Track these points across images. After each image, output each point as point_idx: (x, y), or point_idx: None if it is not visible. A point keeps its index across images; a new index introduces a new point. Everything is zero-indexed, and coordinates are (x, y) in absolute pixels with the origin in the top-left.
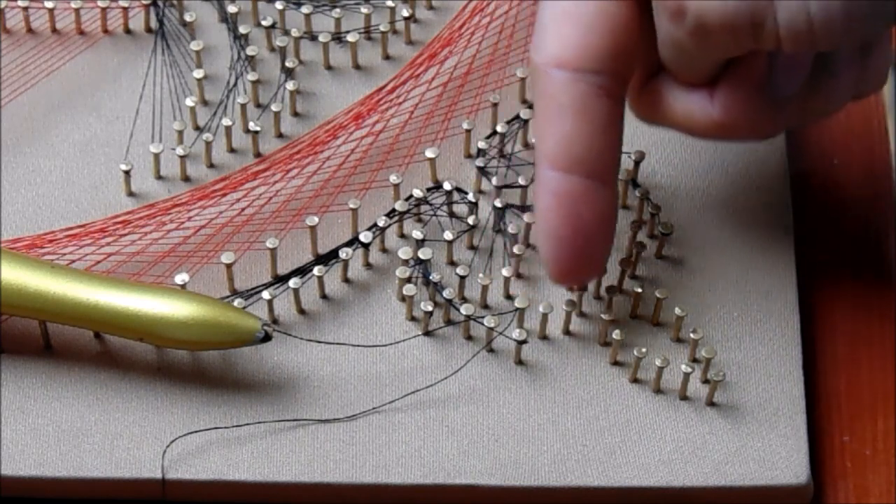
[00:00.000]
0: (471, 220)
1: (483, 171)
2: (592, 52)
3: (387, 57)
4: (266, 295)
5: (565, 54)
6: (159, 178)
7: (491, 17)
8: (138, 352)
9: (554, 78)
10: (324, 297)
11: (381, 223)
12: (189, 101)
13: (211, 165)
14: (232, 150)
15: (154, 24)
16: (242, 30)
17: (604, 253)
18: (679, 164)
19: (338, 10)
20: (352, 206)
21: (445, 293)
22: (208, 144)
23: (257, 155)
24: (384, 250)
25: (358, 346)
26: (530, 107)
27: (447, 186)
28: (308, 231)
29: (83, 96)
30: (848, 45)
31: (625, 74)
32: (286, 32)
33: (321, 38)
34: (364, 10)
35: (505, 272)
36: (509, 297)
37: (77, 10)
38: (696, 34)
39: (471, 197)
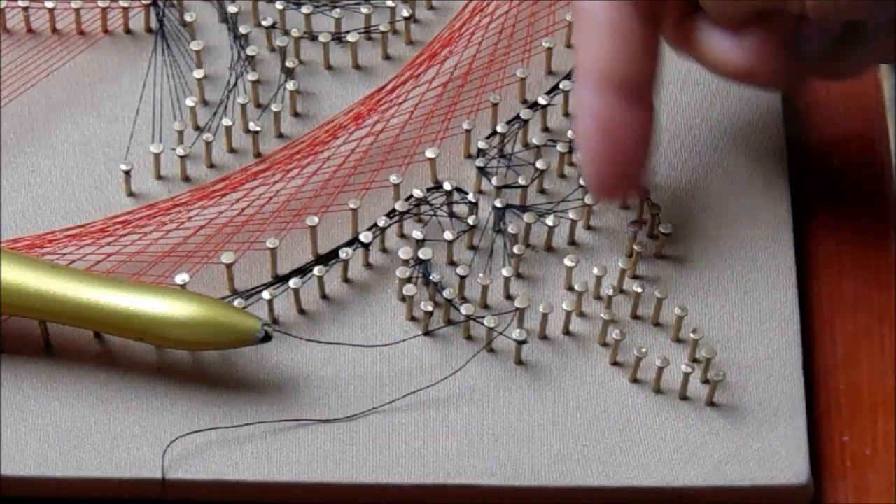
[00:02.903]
0: (471, 220)
1: (483, 171)
2: None
3: (387, 57)
4: (266, 295)
5: None
6: (159, 178)
7: (491, 17)
8: (138, 352)
9: (590, 2)
10: (324, 297)
11: (381, 223)
12: (189, 101)
13: (211, 165)
14: (232, 150)
15: (154, 24)
16: (242, 30)
17: (640, 170)
18: (679, 164)
19: (338, 10)
20: (352, 206)
21: (445, 293)
22: (208, 144)
23: (257, 155)
24: (384, 250)
25: (358, 346)
26: (530, 107)
27: (447, 186)
28: (308, 231)
29: (83, 96)
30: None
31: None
32: (286, 32)
33: (321, 38)
34: (364, 10)
35: (505, 272)
36: (509, 297)
37: (77, 10)
38: None
39: (471, 197)
